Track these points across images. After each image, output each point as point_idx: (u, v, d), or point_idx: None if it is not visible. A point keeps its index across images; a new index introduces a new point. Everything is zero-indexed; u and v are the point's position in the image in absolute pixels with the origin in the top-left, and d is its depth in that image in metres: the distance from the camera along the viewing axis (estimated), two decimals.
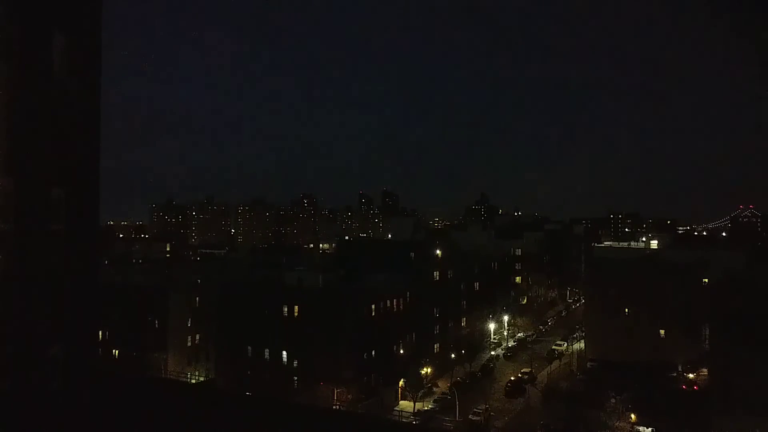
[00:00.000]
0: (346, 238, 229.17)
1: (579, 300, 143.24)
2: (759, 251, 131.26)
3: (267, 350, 77.92)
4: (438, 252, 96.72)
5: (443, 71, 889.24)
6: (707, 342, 78.74)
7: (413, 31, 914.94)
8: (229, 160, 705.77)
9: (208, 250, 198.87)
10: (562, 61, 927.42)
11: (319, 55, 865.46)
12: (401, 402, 77.12)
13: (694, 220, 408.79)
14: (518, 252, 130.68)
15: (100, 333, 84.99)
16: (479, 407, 72.17)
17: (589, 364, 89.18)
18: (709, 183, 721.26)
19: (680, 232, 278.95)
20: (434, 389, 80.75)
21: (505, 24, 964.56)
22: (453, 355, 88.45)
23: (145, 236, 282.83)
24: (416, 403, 73.44)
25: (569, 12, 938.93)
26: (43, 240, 22.51)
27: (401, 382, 77.81)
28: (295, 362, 75.38)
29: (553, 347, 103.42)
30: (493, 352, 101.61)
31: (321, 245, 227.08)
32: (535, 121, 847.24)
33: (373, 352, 76.60)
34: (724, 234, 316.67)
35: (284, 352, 76.40)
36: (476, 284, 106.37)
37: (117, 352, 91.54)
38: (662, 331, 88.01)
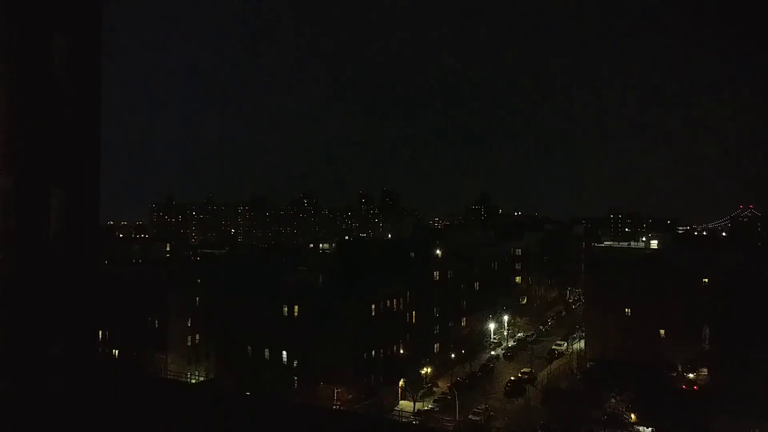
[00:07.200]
0: (346, 238, 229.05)
1: (579, 300, 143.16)
2: (759, 251, 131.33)
3: (267, 350, 77.96)
4: (438, 252, 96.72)
5: (443, 70, 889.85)
6: (707, 342, 78.80)
7: (412, 29, 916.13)
8: (229, 159, 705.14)
9: (208, 250, 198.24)
10: (562, 60, 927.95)
11: (319, 53, 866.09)
12: (401, 402, 77.14)
13: (694, 220, 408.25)
14: (518, 252, 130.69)
15: (100, 333, 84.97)
16: (479, 407, 72.22)
17: (589, 364, 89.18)
18: (709, 183, 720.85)
19: (680, 232, 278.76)
20: (434, 389, 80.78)
21: (505, 22, 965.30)
22: (453, 355, 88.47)
23: (145, 236, 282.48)
24: (416, 403, 73.48)
25: (568, 9, 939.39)
26: (43, 240, 22.51)
27: (401, 382, 77.83)
28: (295, 362, 75.42)
29: (553, 347, 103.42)
30: (493, 352, 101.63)
31: (321, 245, 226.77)
32: (536, 120, 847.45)
33: (373, 352, 76.62)
34: (724, 234, 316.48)
35: (284, 352, 76.43)
36: (476, 284, 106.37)
37: (117, 352, 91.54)
38: (662, 331, 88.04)
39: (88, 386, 24.57)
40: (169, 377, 72.90)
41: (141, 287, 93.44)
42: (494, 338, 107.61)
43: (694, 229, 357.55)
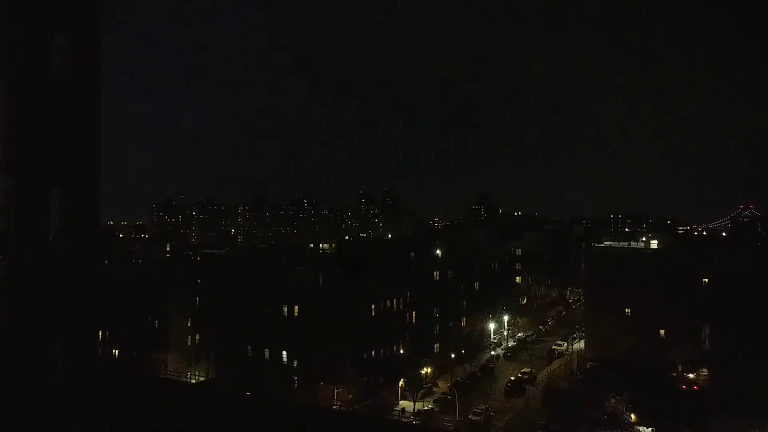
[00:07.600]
0: (346, 238, 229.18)
1: (579, 300, 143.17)
2: (759, 251, 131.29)
3: (267, 350, 77.96)
4: (438, 252, 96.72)
5: (443, 70, 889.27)
6: (707, 342, 78.79)
7: (412, 29, 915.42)
8: (228, 159, 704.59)
9: (208, 250, 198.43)
10: (562, 59, 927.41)
11: (319, 52, 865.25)
12: (401, 402, 77.14)
13: (694, 220, 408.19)
14: (518, 252, 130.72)
15: (100, 333, 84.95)
16: (479, 407, 72.23)
17: (589, 364, 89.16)
18: (709, 183, 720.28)
19: (680, 232, 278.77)
20: (434, 389, 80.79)
21: (504, 22, 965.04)
22: (453, 355, 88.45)
23: (145, 236, 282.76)
24: (416, 403, 73.47)
25: (567, 9, 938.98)
26: (43, 240, 22.50)
27: (401, 382, 77.84)
28: (295, 362, 75.44)
29: (553, 347, 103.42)
30: (493, 352, 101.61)
31: (321, 245, 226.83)
32: (536, 120, 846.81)
33: (373, 352, 76.61)
34: (724, 234, 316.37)
35: (284, 352, 76.43)
36: (476, 284, 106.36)
37: (117, 352, 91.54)
38: (662, 331, 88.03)
39: (88, 386, 24.55)
40: (169, 377, 72.90)
41: (141, 287, 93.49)
42: (494, 338, 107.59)
43: (694, 229, 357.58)
